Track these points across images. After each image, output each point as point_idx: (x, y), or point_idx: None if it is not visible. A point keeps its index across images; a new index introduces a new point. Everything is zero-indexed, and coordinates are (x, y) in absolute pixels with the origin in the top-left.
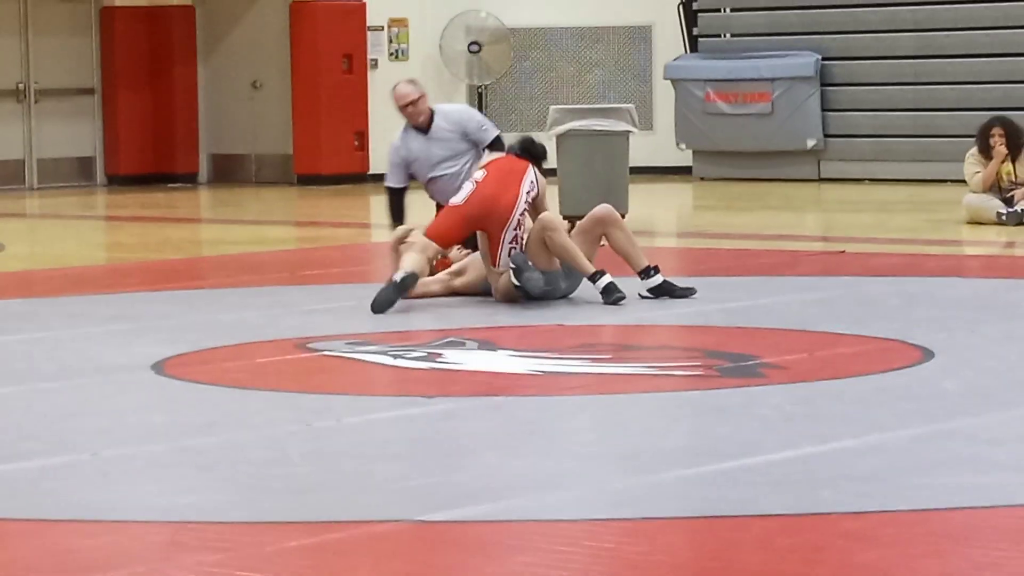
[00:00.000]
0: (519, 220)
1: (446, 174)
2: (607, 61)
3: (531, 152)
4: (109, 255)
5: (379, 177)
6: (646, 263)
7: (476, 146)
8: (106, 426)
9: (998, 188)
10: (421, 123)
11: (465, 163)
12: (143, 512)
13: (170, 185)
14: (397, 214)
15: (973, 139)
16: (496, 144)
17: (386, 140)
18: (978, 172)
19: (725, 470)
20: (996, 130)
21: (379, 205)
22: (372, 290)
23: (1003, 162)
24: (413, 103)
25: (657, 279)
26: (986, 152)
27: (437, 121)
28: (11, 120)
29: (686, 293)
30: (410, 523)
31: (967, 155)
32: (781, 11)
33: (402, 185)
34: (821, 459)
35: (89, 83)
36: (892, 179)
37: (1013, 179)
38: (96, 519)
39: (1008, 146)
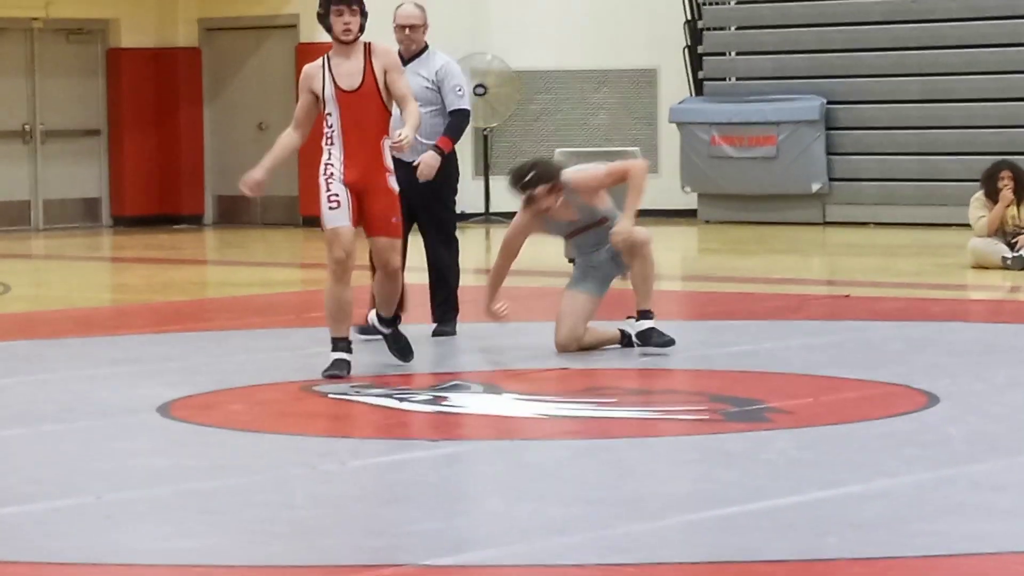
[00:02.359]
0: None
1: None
2: (613, 104)
3: (546, 178)
4: (114, 296)
5: None
6: (649, 306)
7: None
8: (110, 469)
9: (1003, 232)
10: (410, 52)
11: (427, 114)
12: (147, 556)
13: (175, 226)
14: None
15: (978, 183)
16: (456, 117)
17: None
18: (983, 216)
19: (730, 515)
20: (1004, 173)
21: None
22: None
23: (1008, 206)
24: (413, 28)
25: (646, 324)
26: (992, 196)
27: (421, 59)
28: (17, 161)
29: (662, 342)
30: (415, 567)
31: (972, 199)
32: (786, 55)
33: None
34: (827, 505)
35: (95, 124)
36: (897, 223)
37: (1018, 223)
38: (100, 563)
39: (1015, 190)
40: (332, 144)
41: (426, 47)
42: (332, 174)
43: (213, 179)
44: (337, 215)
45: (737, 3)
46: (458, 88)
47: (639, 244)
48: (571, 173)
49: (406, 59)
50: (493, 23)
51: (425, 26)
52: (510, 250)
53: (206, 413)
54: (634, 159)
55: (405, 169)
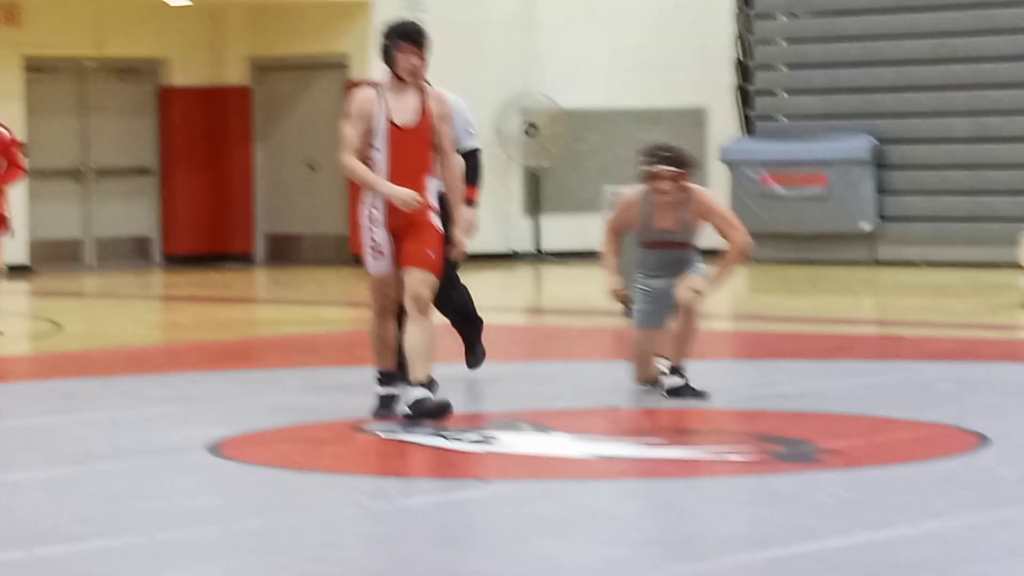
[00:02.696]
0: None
1: None
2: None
3: (678, 163)
4: (165, 335)
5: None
6: (683, 362)
7: None
8: (161, 508)
9: None
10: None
11: None
12: None
13: (226, 265)
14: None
15: None
16: (474, 159)
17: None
18: None
19: (780, 557)
20: None
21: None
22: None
23: None
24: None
25: (680, 381)
26: None
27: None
28: (69, 200)
29: (698, 395)
30: None
31: (1022, 238)
32: (836, 94)
33: None
34: (877, 547)
35: (147, 163)
36: (948, 262)
37: None
38: None
39: None
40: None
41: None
42: (375, 218)
43: (263, 217)
44: (379, 264)
45: (787, 43)
46: (471, 127)
47: (693, 313)
48: (699, 186)
49: None
50: (544, 62)
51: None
52: (616, 231)
53: (256, 452)
54: (746, 235)
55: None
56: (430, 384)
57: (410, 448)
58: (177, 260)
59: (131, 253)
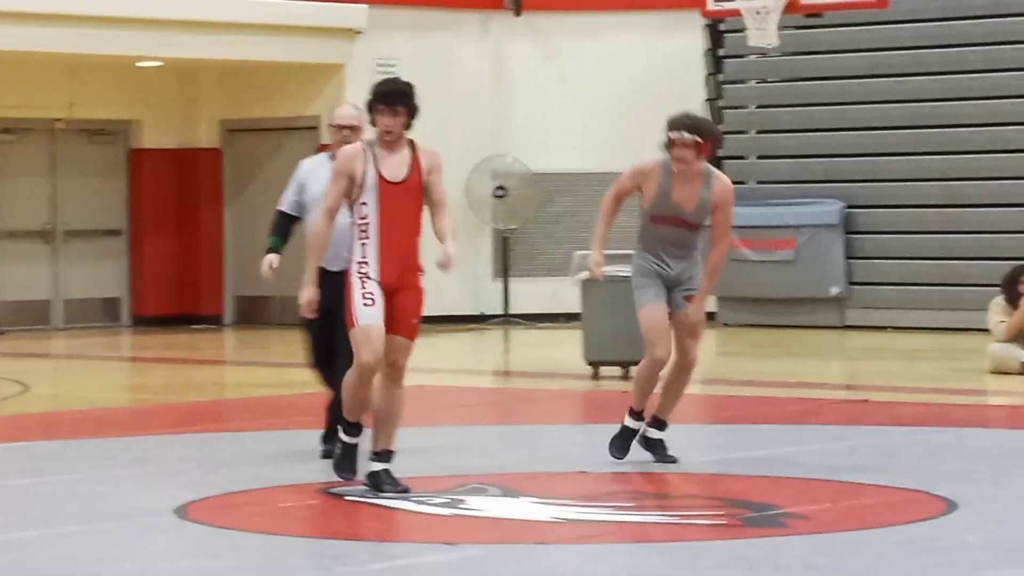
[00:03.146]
0: None
1: (342, 222)
2: (633, 206)
3: (701, 133)
4: (134, 396)
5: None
6: (667, 418)
7: None
8: (130, 571)
9: (1022, 337)
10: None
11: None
12: None
13: (195, 326)
14: (282, 233)
15: (998, 288)
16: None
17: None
18: (1002, 321)
19: None
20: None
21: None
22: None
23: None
24: (353, 129)
25: (658, 434)
26: (1012, 301)
27: None
28: (38, 260)
29: (665, 459)
30: None
31: (991, 303)
32: (806, 159)
33: (293, 213)
34: None
35: (117, 224)
36: (916, 327)
37: None
38: None
39: None
40: (367, 239)
41: None
42: (367, 273)
43: (233, 279)
44: (372, 313)
45: (757, 107)
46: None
47: (691, 362)
48: (722, 175)
49: None
50: (515, 125)
51: (363, 128)
52: (618, 198)
53: (224, 515)
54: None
55: (324, 280)
56: (389, 456)
57: (378, 512)
58: (146, 321)
59: (100, 314)
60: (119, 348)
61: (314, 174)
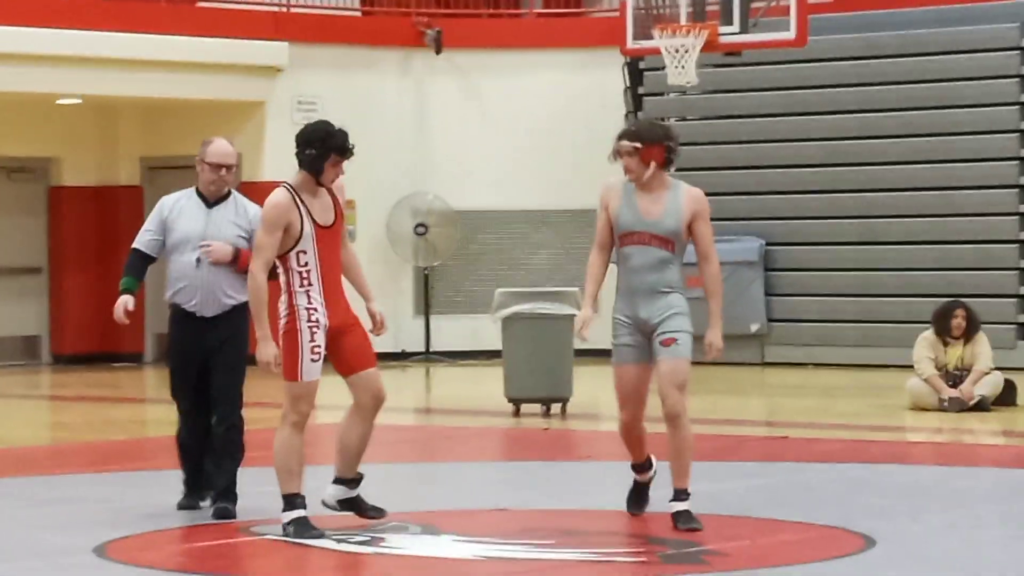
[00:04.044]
0: None
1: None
2: (554, 244)
3: (639, 138)
4: (53, 435)
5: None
6: (685, 485)
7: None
8: None
9: (946, 373)
10: (219, 194)
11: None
12: None
13: (115, 364)
14: (138, 273)
15: (915, 325)
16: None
17: None
18: (929, 357)
19: None
20: (958, 312)
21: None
22: (314, 473)
23: (947, 346)
24: (229, 169)
25: (680, 505)
26: (943, 333)
27: (229, 204)
28: None
29: (690, 526)
30: None
31: (919, 338)
32: (726, 196)
33: (151, 254)
34: None
35: (36, 262)
36: (836, 364)
37: (960, 366)
38: None
39: (966, 331)
40: (310, 286)
41: (230, 191)
42: (318, 321)
43: (153, 317)
44: (317, 368)
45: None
46: None
47: (672, 409)
48: (685, 185)
49: (211, 202)
50: (435, 162)
51: (236, 167)
52: (599, 239)
53: (144, 555)
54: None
55: (195, 327)
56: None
57: (297, 551)
58: (66, 359)
59: (19, 352)
60: (38, 386)
61: (185, 214)
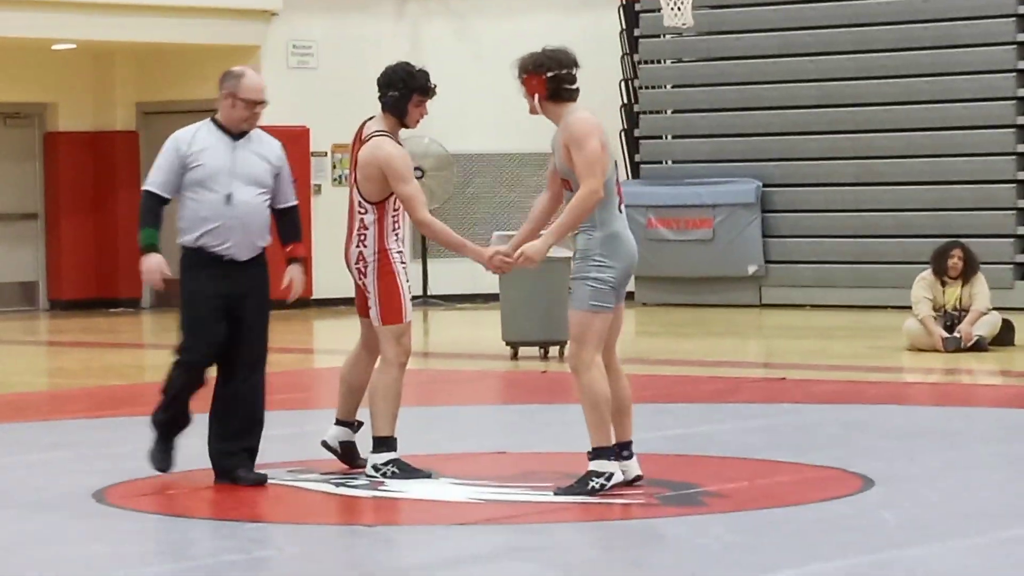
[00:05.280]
0: None
1: (252, 202)
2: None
3: (523, 66)
4: (51, 381)
5: (323, 303)
6: (594, 443)
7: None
8: (47, 557)
9: (944, 313)
10: (245, 131)
11: (263, 203)
12: None
13: (113, 310)
14: (159, 222)
15: (912, 266)
16: (296, 213)
17: (331, 265)
18: (927, 298)
19: None
20: (956, 252)
21: (325, 330)
22: (313, 417)
23: (945, 286)
24: (262, 104)
25: (634, 465)
26: (940, 273)
27: (253, 138)
28: None
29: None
30: None
31: (918, 278)
32: (722, 138)
33: (168, 196)
34: None
35: (32, 208)
36: (833, 305)
37: (958, 306)
38: None
39: (963, 271)
40: (398, 228)
41: None
42: (405, 262)
43: None
44: (411, 307)
45: (673, 87)
46: (293, 181)
47: (572, 369)
48: (574, 113)
49: (236, 135)
50: (430, 106)
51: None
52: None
53: (143, 499)
54: (597, 188)
55: (224, 272)
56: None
57: (297, 494)
58: (63, 305)
59: (16, 298)
60: (36, 332)
61: (209, 148)
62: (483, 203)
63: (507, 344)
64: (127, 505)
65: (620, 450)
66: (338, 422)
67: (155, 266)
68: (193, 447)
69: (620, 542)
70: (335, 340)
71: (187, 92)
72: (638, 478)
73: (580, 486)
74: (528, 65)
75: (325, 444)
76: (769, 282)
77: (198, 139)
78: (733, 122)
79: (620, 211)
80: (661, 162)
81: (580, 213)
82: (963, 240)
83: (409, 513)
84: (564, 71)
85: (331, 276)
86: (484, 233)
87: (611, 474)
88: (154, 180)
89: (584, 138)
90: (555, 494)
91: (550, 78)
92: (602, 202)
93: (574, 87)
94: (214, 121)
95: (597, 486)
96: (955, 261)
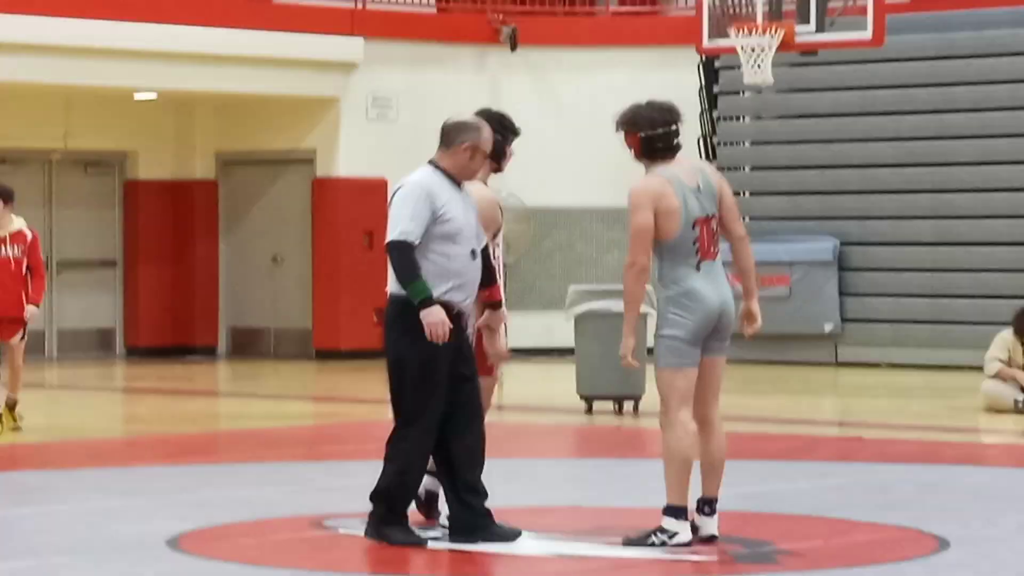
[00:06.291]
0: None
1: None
2: (626, 242)
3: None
4: (127, 428)
5: None
6: (669, 500)
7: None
8: None
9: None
10: (470, 177)
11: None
12: None
13: (189, 358)
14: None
15: (989, 326)
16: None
17: None
18: (1000, 359)
19: None
20: None
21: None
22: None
23: None
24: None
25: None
26: (1022, 334)
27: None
28: None
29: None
30: None
31: (997, 337)
32: (800, 195)
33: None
34: None
35: (111, 255)
36: (909, 364)
37: None
38: None
39: None
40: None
41: None
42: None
43: (227, 311)
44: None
45: (751, 143)
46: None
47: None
48: (644, 178)
49: (459, 185)
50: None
51: None
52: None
53: (216, 547)
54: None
55: (457, 327)
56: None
57: (372, 545)
58: (140, 352)
59: (94, 345)
60: (112, 379)
61: (451, 200)
62: (559, 257)
63: (581, 398)
64: (201, 552)
65: (703, 505)
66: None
67: (444, 317)
68: (265, 496)
69: None
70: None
71: (266, 142)
72: (713, 537)
73: (642, 539)
74: (623, 122)
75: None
76: (845, 340)
77: (442, 190)
78: (811, 179)
79: (699, 268)
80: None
81: (624, 284)
82: None
83: (483, 566)
84: (659, 131)
85: None
86: (560, 287)
87: (676, 534)
88: (409, 230)
89: (633, 210)
90: (623, 543)
91: (643, 138)
92: (671, 261)
93: (669, 146)
94: (440, 169)
95: (658, 542)
96: None
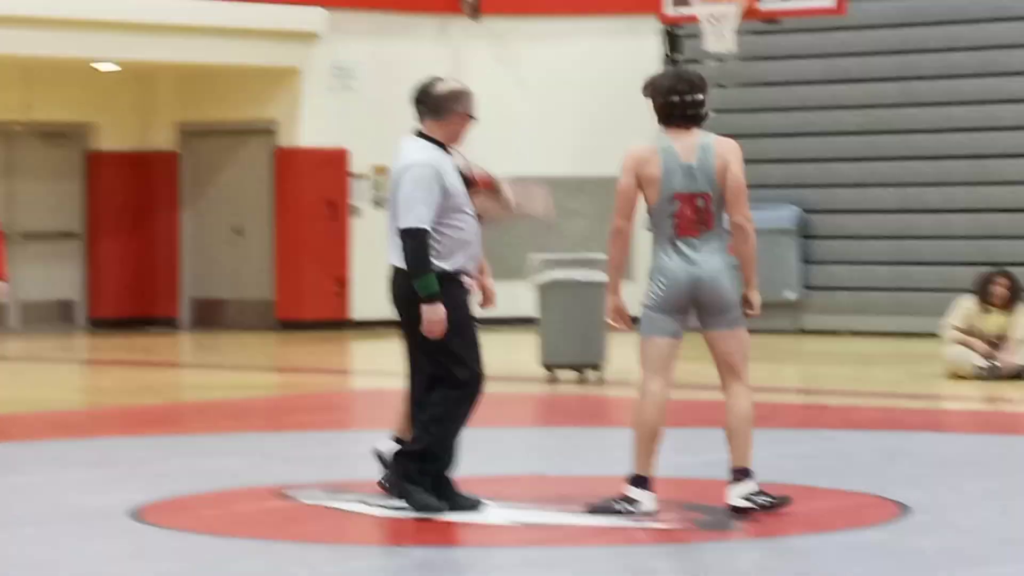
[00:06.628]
0: None
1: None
2: (589, 211)
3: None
4: (89, 399)
5: (360, 325)
6: (635, 470)
7: None
8: (82, 573)
9: (985, 342)
10: (459, 144)
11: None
12: None
13: (151, 329)
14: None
15: (951, 293)
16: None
17: (369, 287)
18: (955, 326)
19: None
20: (1002, 280)
21: (360, 351)
22: (349, 438)
23: (988, 314)
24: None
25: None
26: (985, 300)
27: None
28: None
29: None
30: None
31: (957, 303)
32: (762, 164)
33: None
34: None
35: (73, 227)
36: (871, 332)
37: (1000, 334)
38: None
39: (1009, 299)
40: None
41: None
42: None
43: (189, 282)
44: None
45: (714, 112)
46: None
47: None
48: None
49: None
50: (472, 130)
51: None
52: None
53: (179, 518)
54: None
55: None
56: None
57: (332, 515)
58: (102, 324)
59: (56, 317)
60: (74, 351)
61: (447, 168)
62: (521, 226)
63: (544, 367)
64: (163, 523)
65: (733, 474)
66: (395, 439)
67: (444, 316)
68: (227, 466)
69: (655, 566)
70: (373, 361)
71: (228, 113)
72: (734, 508)
73: (605, 507)
74: (645, 86)
75: (378, 453)
76: (808, 308)
77: (445, 163)
78: (774, 148)
79: (674, 243)
80: None
81: (607, 248)
82: (1009, 268)
83: (442, 534)
84: (673, 99)
85: (369, 298)
86: (521, 256)
87: (637, 502)
88: (424, 216)
89: (621, 173)
90: (586, 511)
91: (659, 104)
92: (655, 232)
93: (683, 115)
94: (429, 139)
95: (622, 510)
96: (1001, 290)
